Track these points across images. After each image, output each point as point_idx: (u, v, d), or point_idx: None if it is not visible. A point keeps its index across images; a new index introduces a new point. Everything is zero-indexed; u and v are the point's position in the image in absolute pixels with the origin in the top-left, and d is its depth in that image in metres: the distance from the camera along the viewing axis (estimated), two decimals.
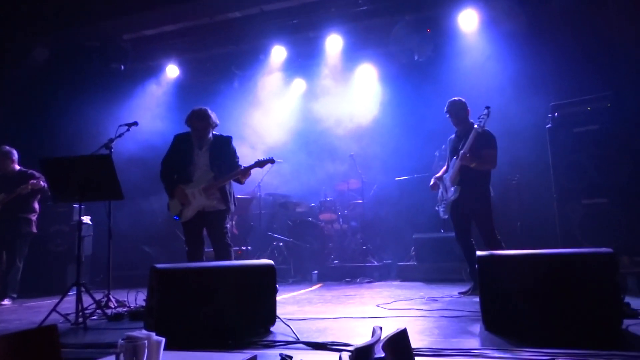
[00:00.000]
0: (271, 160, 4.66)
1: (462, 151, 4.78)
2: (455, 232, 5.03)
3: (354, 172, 8.34)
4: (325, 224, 8.42)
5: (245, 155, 4.98)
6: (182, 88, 9.13)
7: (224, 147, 4.71)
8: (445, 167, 5.22)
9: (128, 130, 4.82)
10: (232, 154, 4.72)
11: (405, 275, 7.04)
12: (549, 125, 5.77)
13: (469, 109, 5.03)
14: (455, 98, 5.07)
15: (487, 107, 4.82)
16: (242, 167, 4.58)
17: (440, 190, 5.15)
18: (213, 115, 4.76)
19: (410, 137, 8.07)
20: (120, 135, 4.78)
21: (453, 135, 5.13)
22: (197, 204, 4.57)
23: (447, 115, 5.07)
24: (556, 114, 5.75)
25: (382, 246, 8.21)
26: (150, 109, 8.71)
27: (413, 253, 7.28)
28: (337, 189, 8.73)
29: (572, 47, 6.60)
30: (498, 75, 7.19)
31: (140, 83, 8.95)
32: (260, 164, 4.62)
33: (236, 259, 7.09)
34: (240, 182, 4.66)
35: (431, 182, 5.26)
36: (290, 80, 9.29)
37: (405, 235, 7.71)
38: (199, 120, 4.66)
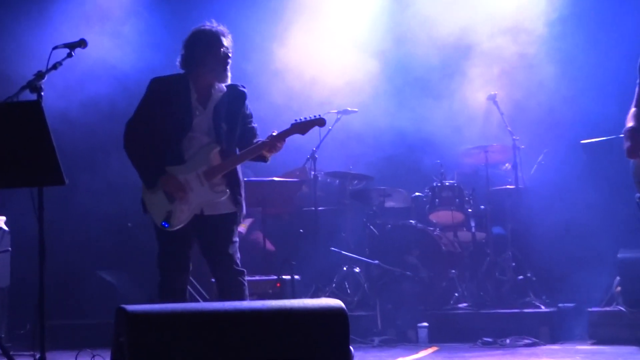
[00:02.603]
0: (319, 121, 5.00)
1: None
2: None
3: (497, 131, 8.23)
4: (442, 231, 8.37)
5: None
6: None
7: (237, 104, 5.09)
8: None
9: (70, 56, 4.93)
10: (247, 115, 5.15)
11: (602, 333, 6.90)
12: None
13: None
14: None
15: None
16: (272, 134, 4.93)
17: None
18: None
19: (612, 63, 7.82)
20: (56, 66, 4.88)
21: None
22: (197, 200, 4.91)
23: None
24: None
25: (556, 275, 8.08)
26: (104, 18, 8.90)
27: (618, 289, 7.09)
28: (465, 165, 8.66)
29: None
30: None
31: None
32: (300, 127, 4.95)
33: (272, 296, 7.24)
34: (265, 160, 5.11)
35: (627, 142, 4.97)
36: None
37: (602, 254, 7.54)
38: (222, 49, 4.98)
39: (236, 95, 5.06)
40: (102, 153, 8.52)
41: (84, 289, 8.16)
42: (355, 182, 8.81)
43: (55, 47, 4.92)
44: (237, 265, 4.94)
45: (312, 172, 8.41)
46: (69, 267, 8.02)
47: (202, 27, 5.03)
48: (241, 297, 4.84)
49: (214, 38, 4.96)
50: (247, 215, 8.51)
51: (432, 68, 8.69)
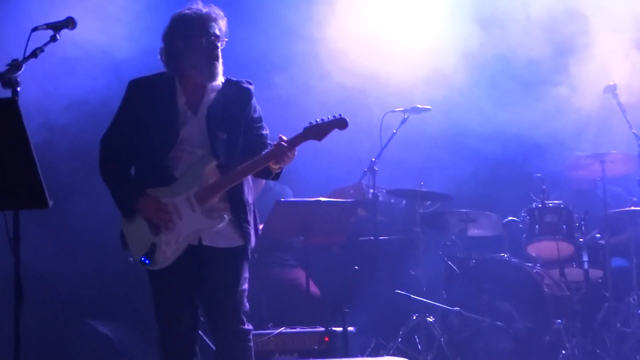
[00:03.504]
0: (339, 122, 5.12)
1: None
2: None
3: (618, 134, 8.25)
4: (544, 267, 8.32)
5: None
6: None
7: (238, 106, 5.24)
8: None
9: (55, 39, 4.98)
10: (253, 119, 5.31)
11: None
12: None
13: None
14: None
15: None
16: (280, 141, 5.02)
17: None
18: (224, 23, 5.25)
19: None
20: (36, 53, 4.92)
21: None
22: (187, 230, 5.05)
23: None
24: None
25: None
26: None
27: None
28: (574, 179, 8.73)
29: None
30: None
31: None
32: (315, 131, 5.10)
33: (319, 354, 7.22)
34: (273, 176, 5.25)
35: None
36: None
37: None
38: (218, 22, 5.17)
39: (237, 94, 5.17)
40: (96, 166, 8.60)
41: (72, 343, 8.22)
42: (428, 203, 8.74)
43: (34, 29, 4.96)
44: (242, 322, 5.05)
45: (371, 190, 8.41)
46: (54, 314, 8.09)
47: (182, 12, 5.12)
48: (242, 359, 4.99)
49: (195, 24, 5.06)
50: (283, 245, 8.54)
51: (530, 51, 8.73)
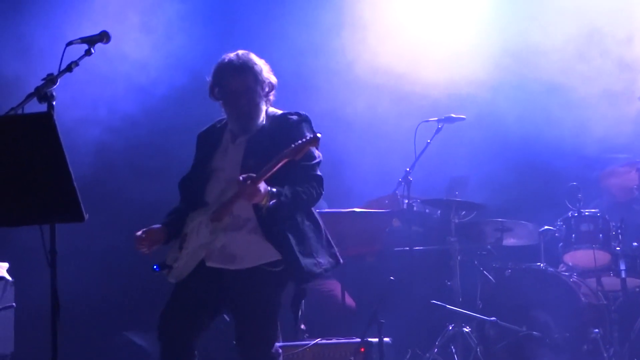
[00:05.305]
0: (310, 141, 4.95)
1: None
2: None
3: None
4: (581, 276, 8.26)
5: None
6: None
7: (277, 136, 5.23)
8: None
9: (90, 53, 5.00)
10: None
11: None
12: None
13: None
14: None
15: None
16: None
17: None
18: (264, 68, 5.30)
19: None
20: (71, 67, 4.94)
21: None
22: (195, 244, 5.24)
23: None
24: None
25: None
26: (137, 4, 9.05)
27: None
28: (610, 188, 8.68)
29: None
30: None
31: None
32: (292, 152, 4.94)
33: None
34: (258, 206, 5.00)
35: None
36: None
37: None
38: (235, 76, 5.25)
39: (280, 126, 5.21)
40: (133, 178, 8.65)
41: (109, 355, 8.25)
42: (463, 212, 8.71)
43: (69, 43, 4.98)
44: (269, 345, 5.06)
45: (406, 201, 8.39)
46: (91, 326, 8.11)
47: (218, 61, 5.30)
48: None
49: (219, 78, 5.23)
50: None
51: (564, 57, 8.69)
